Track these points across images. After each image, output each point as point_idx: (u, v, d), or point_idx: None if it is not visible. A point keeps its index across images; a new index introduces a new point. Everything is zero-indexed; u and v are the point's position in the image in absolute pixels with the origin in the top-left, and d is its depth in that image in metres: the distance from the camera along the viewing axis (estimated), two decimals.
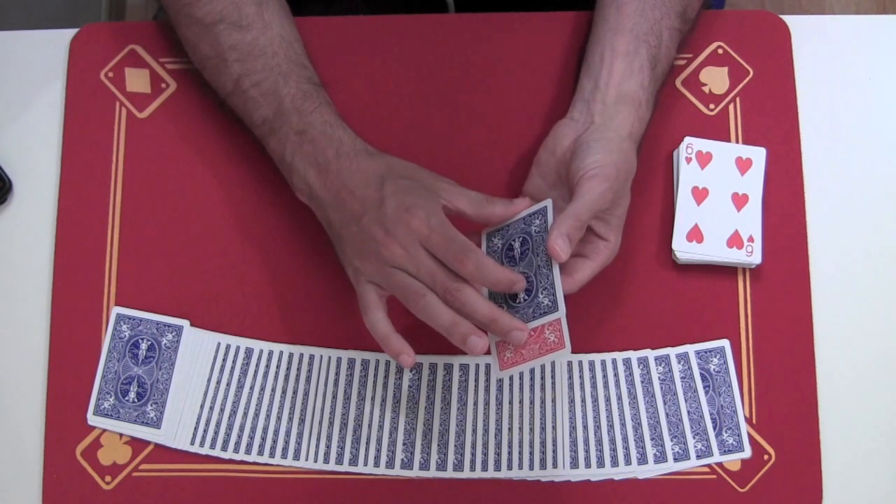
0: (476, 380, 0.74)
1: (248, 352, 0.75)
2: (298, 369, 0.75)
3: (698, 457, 0.72)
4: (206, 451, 0.73)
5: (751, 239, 0.74)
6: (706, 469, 0.72)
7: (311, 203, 0.70)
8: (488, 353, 0.63)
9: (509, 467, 0.72)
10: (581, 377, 0.74)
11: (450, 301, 0.62)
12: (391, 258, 0.63)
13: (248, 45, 0.71)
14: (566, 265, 0.65)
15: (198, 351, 0.75)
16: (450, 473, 0.72)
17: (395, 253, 0.63)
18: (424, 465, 0.72)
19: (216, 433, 0.73)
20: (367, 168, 0.67)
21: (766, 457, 0.72)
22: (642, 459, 0.72)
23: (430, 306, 0.63)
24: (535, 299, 0.63)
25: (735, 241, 0.74)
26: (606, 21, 0.72)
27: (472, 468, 0.72)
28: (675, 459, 0.72)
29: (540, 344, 0.62)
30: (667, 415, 0.73)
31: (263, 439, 0.73)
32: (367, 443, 0.73)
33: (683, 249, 0.74)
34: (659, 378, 0.73)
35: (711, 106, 0.78)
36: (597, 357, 0.74)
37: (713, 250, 0.74)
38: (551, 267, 0.63)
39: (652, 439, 0.72)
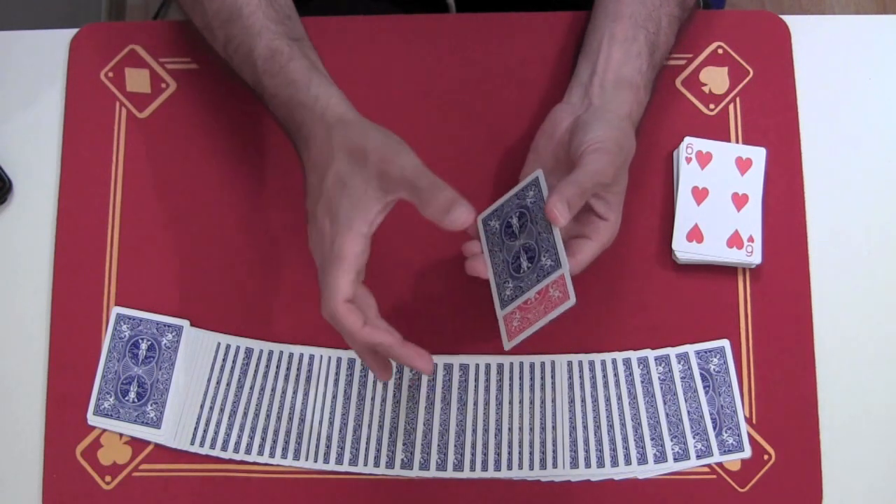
0: (476, 380, 0.74)
1: (248, 352, 0.75)
2: (298, 369, 0.75)
3: (698, 457, 0.72)
4: (206, 451, 0.73)
5: (751, 239, 0.74)
6: (706, 469, 0.72)
7: None
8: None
9: (509, 467, 0.72)
10: (581, 377, 0.74)
11: None
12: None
13: (227, 8, 0.69)
14: (569, 247, 0.65)
15: (198, 351, 0.75)
16: (450, 473, 0.72)
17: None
18: (424, 465, 0.72)
19: (216, 433, 0.73)
20: (317, 155, 0.63)
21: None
22: (642, 459, 0.72)
23: None
24: (538, 264, 0.63)
25: (735, 241, 0.74)
26: (605, 8, 0.72)
27: (472, 468, 0.72)
28: (675, 459, 0.72)
29: (545, 304, 0.61)
30: (667, 415, 0.73)
31: (263, 439, 0.73)
32: (367, 443, 0.73)
33: (683, 249, 0.74)
34: (659, 378, 0.73)
35: (711, 106, 0.78)
36: (597, 357, 0.74)
37: (713, 250, 0.74)
38: (551, 230, 0.62)
39: (652, 439, 0.72)
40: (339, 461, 0.73)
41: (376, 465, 0.72)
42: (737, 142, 0.77)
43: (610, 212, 0.67)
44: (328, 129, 0.63)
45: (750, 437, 0.72)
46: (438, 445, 0.72)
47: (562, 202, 0.60)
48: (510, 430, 0.73)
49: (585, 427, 0.72)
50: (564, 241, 0.63)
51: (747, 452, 0.72)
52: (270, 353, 0.75)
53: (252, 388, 0.74)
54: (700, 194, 0.75)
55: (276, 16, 0.69)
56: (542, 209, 0.63)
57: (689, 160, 0.75)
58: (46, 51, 0.81)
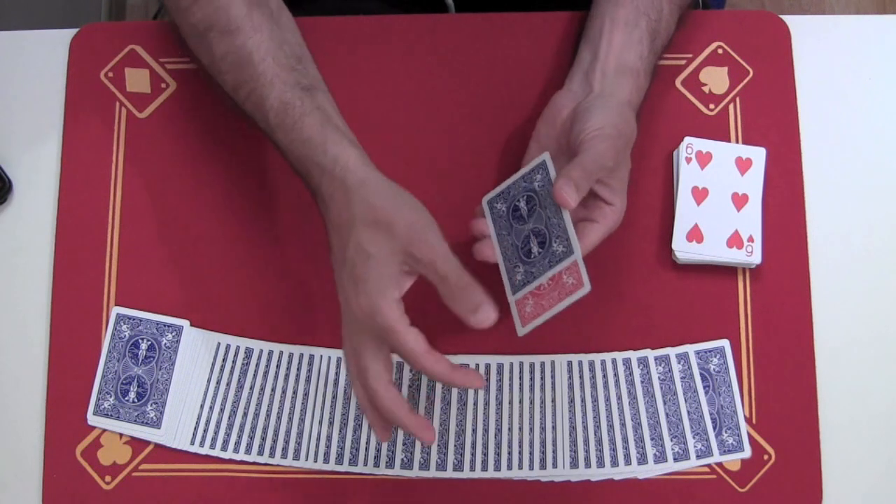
0: None
1: (248, 352, 0.75)
2: (298, 369, 0.75)
3: (698, 457, 0.72)
4: (206, 451, 0.73)
5: (751, 239, 0.74)
6: (706, 469, 0.72)
7: None
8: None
9: (509, 467, 0.72)
10: (581, 377, 0.74)
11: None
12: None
13: (236, 51, 0.67)
14: (577, 230, 0.64)
15: (198, 351, 0.75)
16: (450, 473, 0.72)
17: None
18: (424, 465, 0.72)
19: (216, 433, 0.73)
20: (337, 217, 0.63)
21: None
22: (642, 459, 0.72)
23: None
24: (549, 249, 0.62)
25: (735, 241, 0.74)
26: None
27: (472, 468, 0.72)
28: (675, 459, 0.72)
29: (559, 290, 0.61)
30: (667, 415, 0.73)
31: (263, 439, 0.73)
32: (367, 443, 0.73)
33: (683, 249, 0.74)
34: (659, 378, 0.73)
35: (711, 106, 0.78)
36: (597, 357, 0.74)
37: (713, 250, 0.74)
38: (561, 214, 0.62)
39: (652, 439, 0.72)
40: (339, 461, 0.73)
41: (376, 465, 0.72)
42: (737, 142, 0.77)
43: (615, 196, 0.67)
44: (348, 193, 0.62)
45: (750, 437, 0.72)
46: (438, 445, 0.72)
47: (569, 185, 0.61)
48: (510, 430, 0.73)
49: (585, 427, 0.72)
50: (573, 224, 0.63)
51: (747, 452, 0.72)
52: (270, 353, 0.75)
53: (252, 388, 0.74)
54: (700, 194, 0.75)
55: (287, 62, 0.67)
56: (550, 193, 0.63)
57: (689, 160, 0.75)
58: (46, 51, 0.81)
